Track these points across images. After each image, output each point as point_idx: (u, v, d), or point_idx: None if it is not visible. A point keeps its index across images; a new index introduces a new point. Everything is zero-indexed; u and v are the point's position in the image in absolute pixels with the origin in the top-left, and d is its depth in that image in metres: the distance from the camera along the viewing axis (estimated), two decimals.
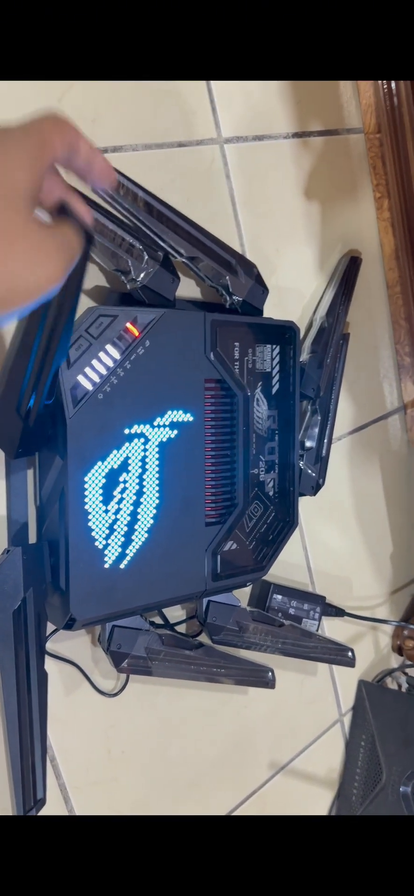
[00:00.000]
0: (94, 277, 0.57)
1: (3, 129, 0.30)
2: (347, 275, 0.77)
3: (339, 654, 0.74)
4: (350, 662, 0.75)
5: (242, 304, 0.61)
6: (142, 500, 0.54)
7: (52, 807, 0.57)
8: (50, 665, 0.53)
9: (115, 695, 0.60)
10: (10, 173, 0.29)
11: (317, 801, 0.85)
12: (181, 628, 0.65)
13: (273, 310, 0.69)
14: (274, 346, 0.64)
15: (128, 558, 0.53)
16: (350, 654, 0.75)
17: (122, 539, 0.52)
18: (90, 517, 0.50)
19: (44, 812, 0.50)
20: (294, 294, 0.74)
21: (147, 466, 0.54)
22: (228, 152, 0.67)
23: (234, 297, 0.60)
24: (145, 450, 0.54)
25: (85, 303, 0.56)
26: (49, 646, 0.54)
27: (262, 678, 0.66)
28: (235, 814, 0.74)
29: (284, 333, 0.64)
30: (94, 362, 0.49)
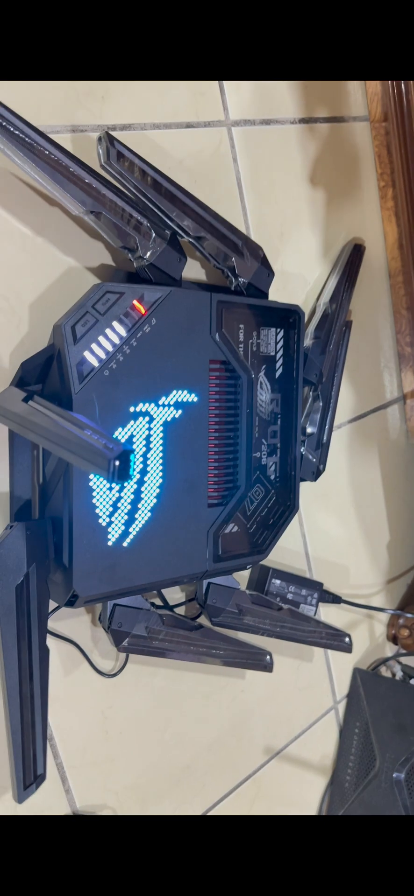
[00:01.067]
0: (100, 255, 0.56)
1: None
2: (350, 262, 0.77)
3: (336, 640, 0.74)
4: (347, 648, 0.75)
5: (247, 286, 0.61)
6: (146, 478, 0.53)
7: (50, 785, 0.57)
8: (50, 643, 0.53)
9: (114, 675, 0.60)
10: None
11: (310, 787, 0.86)
12: (180, 611, 0.65)
13: (277, 295, 0.69)
14: (278, 330, 0.64)
15: (131, 536, 0.52)
16: (347, 639, 0.75)
17: (126, 517, 0.52)
18: (94, 494, 0.50)
19: (41, 794, 0.50)
20: (298, 279, 0.74)
21: (151, 445, 0.54)
22: (236, 135, 0.66)
23: (239, 279, 0.60)
24: (150, 429, 0.53)
25: (91, 280, 0.55)
26: (50, 624, 0.54)
27: (260, 661, 0.66)
28: (230, 797, 0.74)
29: (288, 317, 0.64)
30: (101, 339, 0.49)
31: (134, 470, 0.52)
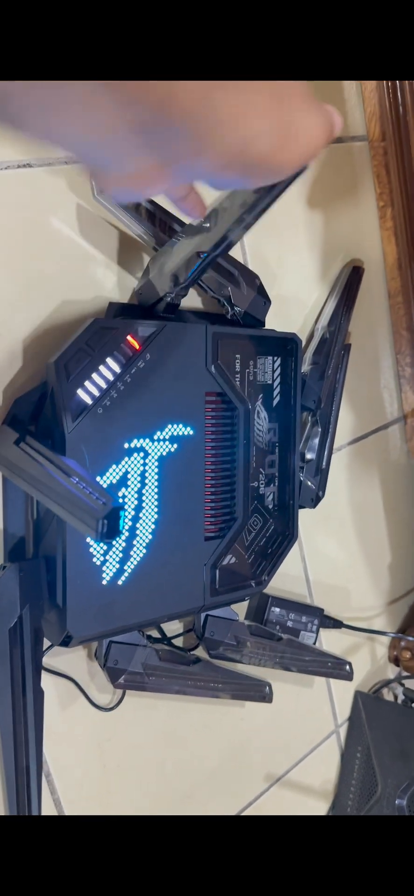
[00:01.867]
0: (95, 288, 0.56)
1: None
2: (348, 285, 0.76)
3: (337, 668, 0.74)
4: (348, 676, 0.74)
5: (243, 315, 0.60)
6: (140, 515, 0.53)
7: None
8: (45, 679, 0.52)
9: (112, 709, 0.59)
10: None
11: (312, 813, 0.85)
12: (178, 641, 0.65)
13: (274, 319, 0.69)
14: (275, 358, 0.64)
15: (126, 574, 0.52)
16: (348, 667, 0.74)
17: (120, 555, 0.52)
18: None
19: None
20: (296, 303, 0.74)
21: (146, 481, 0.53)
22: None
23: (235, 308, 0.60)
24: (145, 464, 0.53)
25: (85, 312, 0.55)
26: (45, 660, 0.53)
27: (259, 692, 0.66)
28: None
29: (285, 345, 0.64)
30: (94, 376, 0.48)
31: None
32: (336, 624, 0.80)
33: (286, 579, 0.76)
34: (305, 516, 0.77)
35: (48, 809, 0.56)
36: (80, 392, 0.48)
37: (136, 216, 0.53)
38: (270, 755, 0.77)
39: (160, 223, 0.53)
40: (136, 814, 0.63)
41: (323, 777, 0.86)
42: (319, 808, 0.86)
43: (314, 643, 0.75)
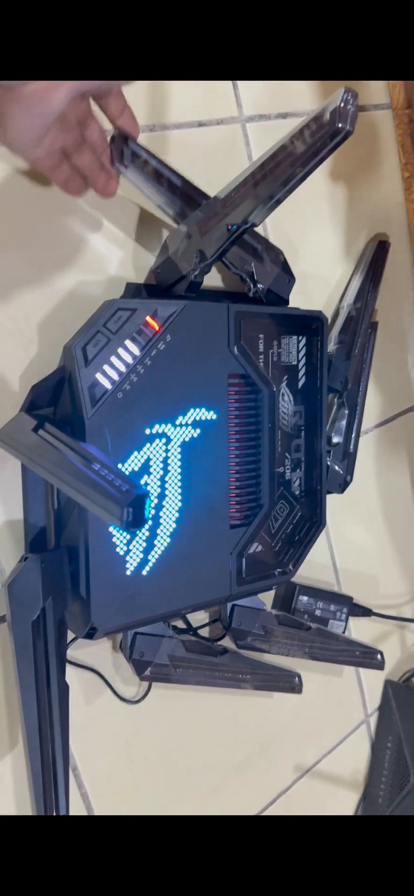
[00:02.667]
0: (110, 268, 0.54)
1: None
2: (374, 260, 0.73)
3: (367, 658, 0.71)
4: (379, 665, 0.72)
5: (266, 293, 0.58)
6: (164, 503, 0.51)
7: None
8: (70, 672, 0.51)
9: (138, 702, 0.58)
10: None
11: (342, 803, 0.83)
12: (205, 631, 0.63)
13: (297, 297, 0.66)
14: (300, 338, 0.61)
15: (150, 564, 0.50)
16: (379, 656, 0.72)
17: (144, 544, 0.50)
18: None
19: None
20: (319, 281, 0.71)
21: (169, 468, 0.51)
22: (250, 131, 0.63)
23: (258, 286, 0.57)
24: (167, 450, 0.51)
25: (100, 295, 0.53)
26: (69, 653, 0.52)
27: (289, 683, 0.64)
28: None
29: (311, 324, 0.61)
30: (113, 359, 0.46)
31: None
32: (365, 612, 0.78)
33: (313, 567, 0.74)
34: (331, 502, 0.74)
35: (76, 804, 0.55)
36: (99, 376, 0.46)
37: (157, 185, 0.50)
38: (298, 746, 0.75)
39: (182, 194, 0.51)
40: (164, 809, 0.62)
41: (353, 768, 0.84)
42: (350, 798, 0.84)
43: (344, 632, 0.73)
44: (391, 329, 0.80)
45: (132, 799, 0.60)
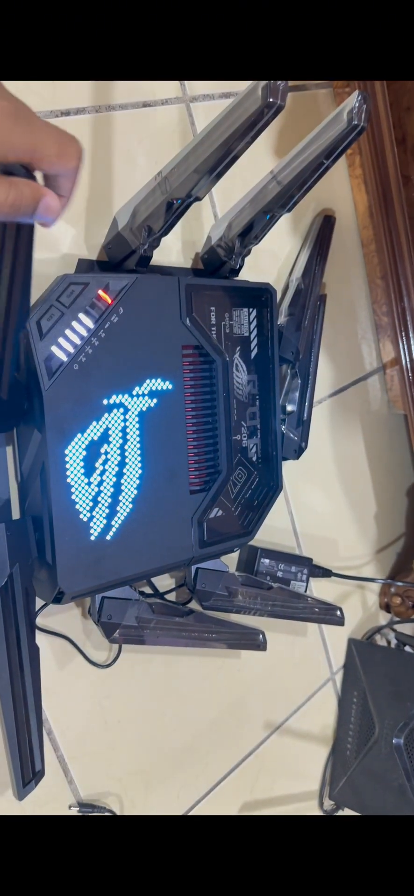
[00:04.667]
0: (63, 246, 0.56)
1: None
2: (321, 235, 0.77)
3: (328, 614, 0.75)
4: (339, 621, 0.76)
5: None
6: (124, 470, 0.53)
7: (52, 779, 0.57)
8: (41, 640, 0.53)
9: (109, 666, 0.60)
10: None
11: (313, 758, 0.87)
12: (171, 597, 0.66)
13: (248, 272, 0.69)
14: (251, 310, 0.64)
15: (114, 529, 0.53)
16: (339, 612, 0.76)
17: (107, 510, 0.52)
18: (73, 490, 0.50)
19: (44, 788, 0.51)
20: (269, 256, 0.74)
21: (128, 437, 0.54)
22: (195, 111, 0.65)
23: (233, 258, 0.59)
24: (125, 420, 0.53)
25: (55, 274, 0.55)
26: (39, 621, 0.54)
27: (253, 641, 0.67)
28: (233, 773, 0.75)
29: (260, 296, 0.64)
30: (68, 332, 0.48)
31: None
32: (326, 573, 0.82)
33: (275, 532, 0.78)
34: (290, 470, 0.78)
35: (52, 767, 0.57)
36: (54, 349, 0.48)
37: None
38: (268, 704, 0.79)
39: None
40: (140, 769, 0.65)
41: (322, 723, 0.88)
42: (320, 752, 0.88)
43: (304, 592, 0.77)
44: (340, 302, 0.84)
45: (108, 760, 0.62)
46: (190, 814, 0.71)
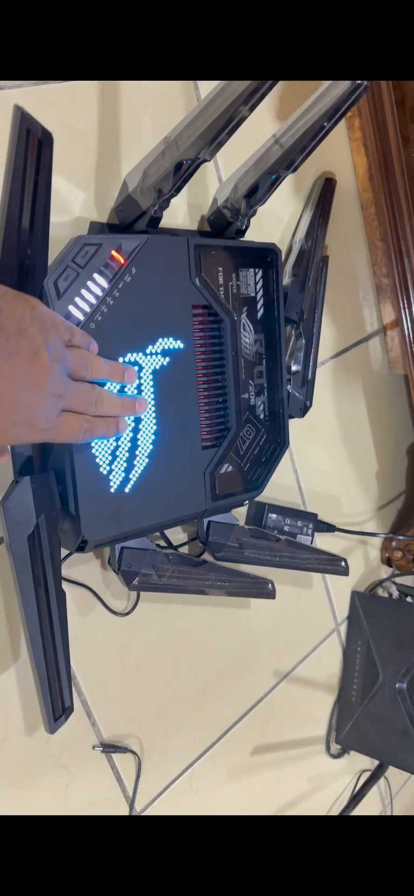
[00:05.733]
0: (76, 209, 0.57)
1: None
2: (322, 197, 0.78)
3: (333, 564, 0.78)
4: (344, 571, 0.79)
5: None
6: (140, 426, 0.56)
7: (77, 720, 0.61)
8: (64, 589, 0.56)
9: (127, 614, 0.63)
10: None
11: (320, 704, 0.91)
12: (184, 550, 0.69)
13: (252, 234, 0.71)
14: (257, 270, 0.66)
15: (131, 482, 0.55)
16: (343, 563, 0.79)
17: (125, 464, 0.55)
18: (93, 445, 0.52)
19: (69, 729, 0.54)
20: (272, 218, 0.75)
21: (143, 394, 0.56)
22: None
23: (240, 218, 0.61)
24: (140, 378, 0.56)
25: (67, 237, 0.57)
26: (63, 571, 0.57)
27: (263, 589, 0.70)
28: (245, 718, 0.79)
29: (265, 257, 0.66)
30: (83, 292, 0.50)
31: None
32: (330, 528, 0.85)
33: (281, 489, 0.81)
34: (295, 430, 0.80)
35: (77, 711, 0.61)
36: (71, 308, 0.50)
37: None
38: (276, 653, 0.83)
39: None
40: (159, 712, 0.68)
41: (328, 671, 0.92)
42: (327, 699, 0.92)
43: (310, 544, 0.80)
44: (342, 264, 0.86)
45: (128, 703, 0.65)
46: (205, 755, 0.75)
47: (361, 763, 0.99)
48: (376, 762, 0.97)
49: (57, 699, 0.51)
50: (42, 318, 0.40)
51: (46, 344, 0.39)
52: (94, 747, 0.63)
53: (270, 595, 0.71)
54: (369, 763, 1.01)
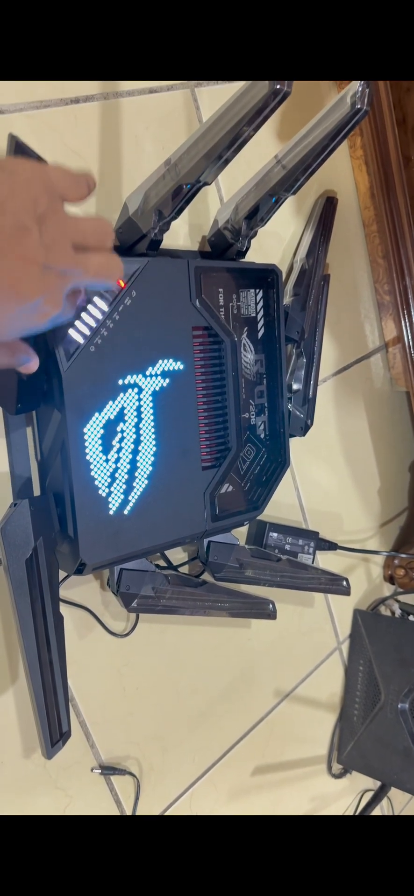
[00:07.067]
0: None
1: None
2: (324, 216, 0.78)
3: (334, 584, 0.78)
4: (345, 591, 0.79)
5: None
6: (140, 448, 0.56)
7: (76, 742, 0.60)
8: (63, 611, 0.55)
9: (126, 635, 0.63)
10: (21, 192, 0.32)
11: (321, 724, 0.91)
12: (184, 570, 0.68)
13: (253, 254, 0.71)
14: (257, 291, 0.66)
15: (131, 504, 0.55)
16: (345, 583, 0.79)
17: (124, 486, 0.54)
18: (92, 467, 0.52)
19: (68, 752, 0.54)
20: (273, 237, 0.76)
21: (143, 415, 0.56)
22: (199, 96, 0.67)
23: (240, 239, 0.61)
24: (140, 399, 0.56)
25: None
26: (61, 593, 0.57)
27: (263, 610, 0.70)
28: (245, 739, 0.78)
29: (266, 277, 0.66)
30: (84, 315, 0.50)
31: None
32: (331, 546, 0.84)
33: (282, 507, 0.80)
34: (296, 447, 0.80)
35: (75, 733, 0.60)
36: (71, 332, 0.50)
37: None
38: (278, 673, 0.82)
39: None
40: (158, 734, 0.68)
41: (329, 691, 0.91)
42: (328, 718, 0.91)
43: (312, 564, 0.80)
44: (344, 282, 0.86)
45: (127, 725, 0.65)
46: (205, 776, 0.74)
47: (362, 783, 0.98)
48: (379, 782, 0.96)
49: (54, 725, 0.50)
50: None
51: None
52: (92, 769, 0.62)
53: (271, 616, 0.70)
54: (371, 783, 1.00)
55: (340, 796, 0.96)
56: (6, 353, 0.38)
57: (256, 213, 0.60)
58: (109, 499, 0.53)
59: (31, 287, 0.33)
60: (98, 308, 0.51)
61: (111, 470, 0.53)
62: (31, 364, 0.40)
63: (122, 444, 0.54)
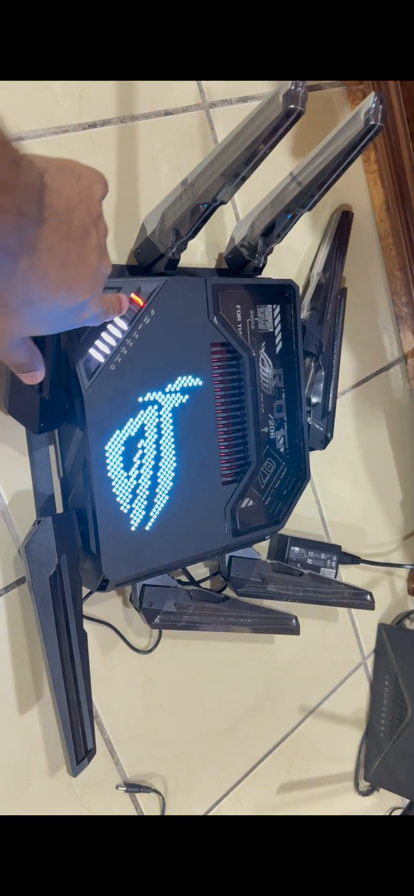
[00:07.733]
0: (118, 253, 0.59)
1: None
2: (339, 230, 0.78)
3: (358, 598, 0.77)
4: (369, 605, 0.78)
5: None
6: (160, 464, 0.56)
7: (100, 760, 0.61)
8: (86, 627, 0.56)
9: (149, 651, 0.63)
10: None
11: (347, 740, 0.89)
12: (206, 585, 0.68)
13: (270, 269, 0.71)
14: (275, 306, 0.66)
15: (152, 520, 0.55)
16: (369, 597, 0.77)
17: (145, 502, 0.55)
18: (113, 483, 0.53)
19: (93, 769, 0.54)
20: (290, 253, 0.76)
21: (163, 432, 0.56)
22: (214, 116, 0.68)
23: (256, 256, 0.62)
24: (159, 416, 0.56)
25: None
26: (84, 609, 0.57)
27: (287, 625, 0.69)
28: (270, 755, 0.77)
29: (283, 292, 0.66)
30: (104, 335, 0.51)
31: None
32: (354, 560, 0.83)
33: (303, 521, 0.80)
34: (316, 461, 0.80)
35: (100, 749, 0.60)
36: (92, 351, 0.51)
37: None
38: (302, 688, 0.81)
39: None
40: (183, 751, 0.67)
41: (355, 706, 0.89)
42: (354, 734, 0.89)
43: (334, 578, 0.79)
44: (361, 295, 0.86)
45: (152, 742, 0.65)
46: (231, 794, 0.73)
47: (391, 800, 0.96)
48: (407, 800, 0.93)
49: (80, 742, 0.51)
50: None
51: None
52: (117, 787, 0.62)
53: (294, 631, 0.70)
54: (400, 801, 0.97)
55: (368, 814, 0.93)
56: (27, 352, 0.38)
57: (272, 230, 0.61)
58: (131, 515, 0.54)
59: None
60: (118, 327, 0.52)
61: (132, 486, 0.54)
62: (38, 374, 0.40)
63: (143, 461, 0.55)
